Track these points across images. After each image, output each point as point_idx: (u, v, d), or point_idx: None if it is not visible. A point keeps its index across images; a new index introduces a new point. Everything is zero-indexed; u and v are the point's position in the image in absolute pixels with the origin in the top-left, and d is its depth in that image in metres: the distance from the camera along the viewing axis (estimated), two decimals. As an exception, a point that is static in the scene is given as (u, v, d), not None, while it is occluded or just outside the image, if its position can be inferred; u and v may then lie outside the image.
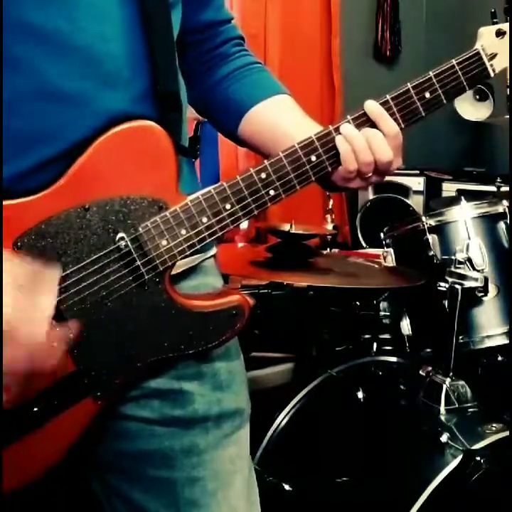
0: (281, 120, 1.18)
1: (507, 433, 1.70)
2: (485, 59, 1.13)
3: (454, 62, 1.12)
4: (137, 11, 1.02)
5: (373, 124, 1.09)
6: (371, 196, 3.50)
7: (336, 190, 1.16)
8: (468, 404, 1.82)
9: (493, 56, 1.13)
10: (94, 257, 1.00)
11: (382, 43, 3.86)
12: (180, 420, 1.08)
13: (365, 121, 1.09)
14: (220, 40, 1.23)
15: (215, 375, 1.11)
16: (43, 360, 0.93)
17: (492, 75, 1.14)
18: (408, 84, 1.11)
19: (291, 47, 3.40)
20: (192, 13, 1.18)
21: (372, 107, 1.09)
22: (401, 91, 1.11)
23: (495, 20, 1.16)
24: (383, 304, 2.27)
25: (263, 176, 1.05)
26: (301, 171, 1.07)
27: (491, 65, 1.13)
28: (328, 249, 2.37)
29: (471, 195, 2.46)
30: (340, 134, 1.08)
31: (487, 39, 1.13)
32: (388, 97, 1.11)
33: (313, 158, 1.07)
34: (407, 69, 3.83)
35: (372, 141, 1.08)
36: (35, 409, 1.00)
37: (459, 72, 1.12)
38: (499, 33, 1.13)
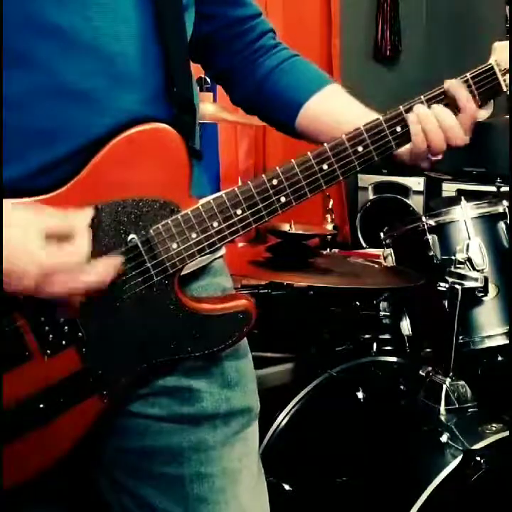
0: (343, 113, 1.20)
1: (507, 433, 1.70)
2: (498, 74, 1.14)
3: (468, 75, 1.13)
4: (152, 13, 1.02)
5: (447, 105, 1.12)
6: (371, 196, 3.50)
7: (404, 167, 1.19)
8: (468, 404, 1.82)
9: (506, 71, 1.13)
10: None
11: (382, 43, 3.86)
12: (188, 417, 1.09)
13: (439, 102, 1.12)
14: (256, 33, 1.25)
15: (223, 373, 1.12)
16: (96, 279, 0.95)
17: (505, 89, 1.14)
18: (421, 96, 1.13)
19: (292, 47, 3.40)
20: (222, 11, 1.21)
21: (452, 86, 1.12)
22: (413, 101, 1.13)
23: (508, 35, 1.16)
24: (383, 304, 2.27)
25: (275, 182, 1.06)
26: (312, 178, 1.07)
27: (505, 80, 1.14)
28: (328, 249, 2.37)
29: (471, 195, 2.46)
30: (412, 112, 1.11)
31: (501, 54, 1.14)
32: (398, 110, 1.12)
33: (325, 166, 1.08)
34: (407, 69, 3.83)
35: (444, 122, 1.11)
36: (42, 405, 1.01)
37: (473, 86, 1.13)
38: None
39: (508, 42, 1.14)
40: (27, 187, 0.98)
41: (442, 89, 1.12)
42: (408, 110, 1.11)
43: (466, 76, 1.12)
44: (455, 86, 1.11)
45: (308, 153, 1.08)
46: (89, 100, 0.99)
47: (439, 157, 1.15)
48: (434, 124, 1.11)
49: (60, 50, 0.97)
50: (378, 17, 3.84)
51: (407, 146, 1.13)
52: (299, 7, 3.53)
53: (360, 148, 1.08)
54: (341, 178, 1.09)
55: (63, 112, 0.98)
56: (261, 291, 2.39)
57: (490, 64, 1.14)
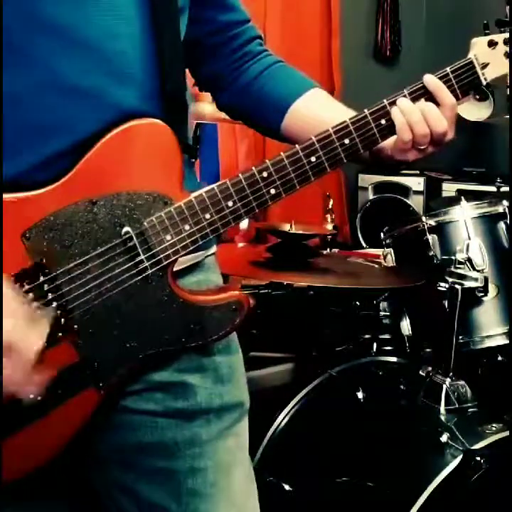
0: (328, 112, 1.22)
1: (507, 433, 1.70)
2: (478, 68, 1.17)
3: (448, 70, 1.16)
4: (149, 13, 1.04)
5: (428, 99, 1.15)
6: (371, 196, 3.50)
7: (393, 165, 1.21)
8: (468, 404, 1.82)
9: (485, 65, 1.17)
10: (100, 250, 1.02)
11: (382, 43, 3.86)
12: (182, 412, 1.11)
13: (421, 95, 1.15)
14: (243, 39, 1.26)
15: (216, 368, 1.13)
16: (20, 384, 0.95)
17: (484, 83, 1.18)
18: (404, 90, 1.16)
19: (291, 47, 3.40)
20: (211, 15, 1.22)
21: (431, 80, 1.15)
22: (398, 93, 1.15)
23: (487, 31, 1.20)
24: (383, 304, 2.27)
25: (265, 174, 1.08)
26: (301, 171, 1.10)
27: (483, 74, 1.17)
28: (328, 249, 2.36)
29: (471, 195, 2.46)
30: (395, 106, 1.13)
31: (480, 49, 1.18)
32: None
33: (313, 159, 1.10)
34: (407, 69, 3.83)
35: (427, 114, 1.14)
36: (39, 398, 1.01)
37: (453, 80, 1.16)
38: (491, 44, 1.18)
39: (486, 37, 1.19)
40: (25, 182, 0.99)
41: (423, 83, 1.15)
42: (392, 103, 1.14)
43: (446, 70, 1.16)
44: (433, 80, 1.15)
45: (297, 145, 1.10)
46: (88, 97, 1.01)
47: (428, 150, 1.17)
48: (418, 116, 1.14)
49: (59, 48, 0.99)
50: (378, 17, 3.84)
51: (392, 139, 1.16)
52: (299, 7, 3.53)
53: (346, 141, 1.11)
54: (329, 169, 1.12)
55: (62, 108, 1.00)
56: (261, 291, 2.39)
57: (469, 58, 1.17)
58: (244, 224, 2.85)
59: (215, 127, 3.25)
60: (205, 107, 2.40)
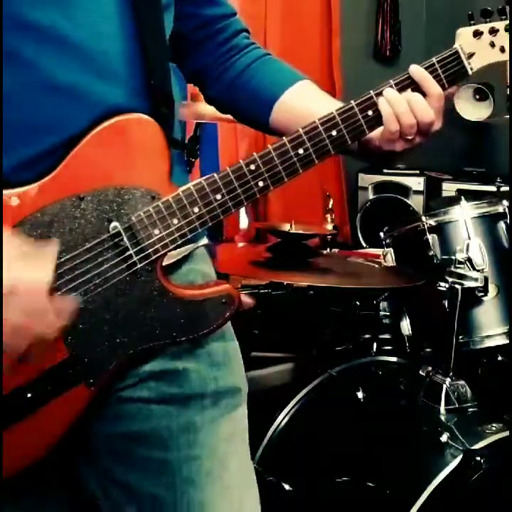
0: (316, 104, 1.21)
1: (507, 433, 1.70)
2: (463, 57, 1.18)
3: (434, 60, 1.17)
4: (131, 11, 1.05)
5: (414, 89, 1.15)
6: (371, 196, 3.50)
7: (382, 157, 1.21)
8: (468, 404, 1.82)
9: (470, 55, 1.18)
10: (88, 245, 1.02)
11: (382, 43, 3.85)
12: (177, 398, 1.10)
13: (407, 86, 1.15)
14: (229, 32, 1.26)
15: (210, 354, 1.13)
16: (42, 327, 0.95)
17: (470, 73, 1.19)
18: (390, 80, 1.16)
19: (291, 47, 3.40)
20: (196, 10, 1.22)
21: (417, 70, 1.16)
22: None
23: (472, 21, 1.21)
24: (383, 304, 2.27)
25: (252, 167, 1.08)
26: (289, 163, 1.10)
27: (469, 64, 1.18)
28: (328, 249, 2.37)
29: (471, 195, 2.46)
30: (382, 96, 1.14)
31: (465, 39, 1.19)
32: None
33: (301, 151, 1.10)
34: (407, 69, 3.82)
35: (413, 104, 1.14)
36: (29, 395, 1.01)
37: (439, 70, 1.16)
38: (476, 34, 1.19)
39: (470, 27, 1.20)
40: (13, 180, 0.99)
41: (409, 74, 1.16)
42: (378, 94, 1.14)
43: (432, 60, 1.16)
44: (419, 70, 1.16)
45: (284, 138, 1.10)
46: (73, 96, 1.01)
47: (416, 140, 1.17)
48: (405, 106, 1.14)
49: (42, 48, 0.99)
50: (378, 17, 3.84)
51: (379, 130, 1.16)
52: (299, 7, 3.53)
53: (333, 132, 1.11)
54: (316, 161, 1.12)
55: (49, 107, 1.00)
56: (261, 291, 2.39)
57: (455, 48, 1.18)
58: (244, 224, 2.85)
59: (215, 127, 3.25)
60: (205, 107, 2.40)
